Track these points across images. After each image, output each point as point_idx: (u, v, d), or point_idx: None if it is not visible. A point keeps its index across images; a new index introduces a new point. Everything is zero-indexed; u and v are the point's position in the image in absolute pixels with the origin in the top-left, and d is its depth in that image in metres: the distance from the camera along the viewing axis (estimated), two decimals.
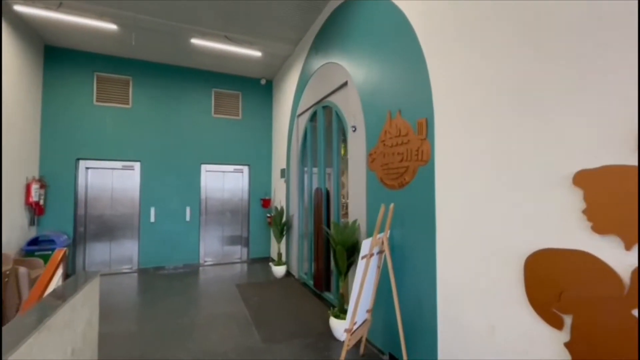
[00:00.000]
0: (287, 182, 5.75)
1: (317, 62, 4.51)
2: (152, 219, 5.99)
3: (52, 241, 4.78)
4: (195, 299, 4.48)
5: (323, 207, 4.40)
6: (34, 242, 4.77)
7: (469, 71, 2.09)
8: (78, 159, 5.59)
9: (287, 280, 5.32)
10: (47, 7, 4.24)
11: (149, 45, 5.41)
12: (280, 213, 5.64)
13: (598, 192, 1.41)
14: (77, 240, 5.58)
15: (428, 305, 2.39)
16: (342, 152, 4.15)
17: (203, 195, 6.48)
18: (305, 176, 5.22)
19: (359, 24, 3.42)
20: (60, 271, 2.44)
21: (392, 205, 2.61)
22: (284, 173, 5.99)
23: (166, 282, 5.27)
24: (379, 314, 2.94)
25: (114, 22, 4.61)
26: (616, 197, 1.35)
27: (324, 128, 4.50)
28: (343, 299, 3.32)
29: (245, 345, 3.12)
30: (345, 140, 3.89)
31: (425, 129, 2.43)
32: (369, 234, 3.18)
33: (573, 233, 1.50)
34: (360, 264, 2.39)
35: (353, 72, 3.51)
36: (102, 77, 5.77)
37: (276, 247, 6.07)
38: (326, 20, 4.27)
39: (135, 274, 5.74)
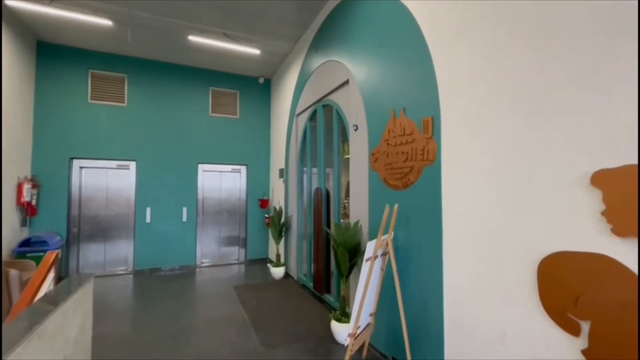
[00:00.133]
0: (286, 182, 5.67)
1: (317, 60, 4.44)
2: (148, 220, 5.87)
3: (44, 242, 4.66)
4: (192, 301, 4.38)
5: (323, 207, 4.32)
6: (25, 243, 4.64)
7: (478, 68, 2.03)
8: (72, 158, 5.47)
9: (286, 281, 5.23)
10: (40, 2, 4.13)
11: (145, 42, 5.30)
12: (278, 213, 5.55)
13: (618, 192, 1.34)
14: (71, 241, 5.45)
15: (434, 308, 2.32)
16: (343, 151, 4.08)
17: (200, 196, 6.37)
18: (305, 176, 5.14)
19: (361, 21, 3.35)
20: (51, 274, 2.34)
21: (396, 206, 2.54)
22: (282, 173, 5.91)
23: (162, 283, 5.16)
24: (382, 317, 2.86)
25: (109, 17, 4.50)
26: (637, 198, 1.28)
27: (324, 127, 4.43)
28: (345, 302, 3.24)
29: (244, 349, 3.03)
30: (346, 140, 3.81)
31: (431, 127, 2.36)
32: (372, 235, 3.11)
33: (591, 235, 1.44)
34: (365, 266, 2.32)
35: (355, 70, 3.44)
36: (97, 75, 5.65)
37: (274, 248, 5.98)
38: (327, 18, 4.20)
39: (131, 276, 5.62)
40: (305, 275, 4.98)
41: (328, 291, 4.29)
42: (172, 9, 4.37)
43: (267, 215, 6.40)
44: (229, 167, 6.65)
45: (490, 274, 1.92)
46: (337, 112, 3.95)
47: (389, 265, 2.70)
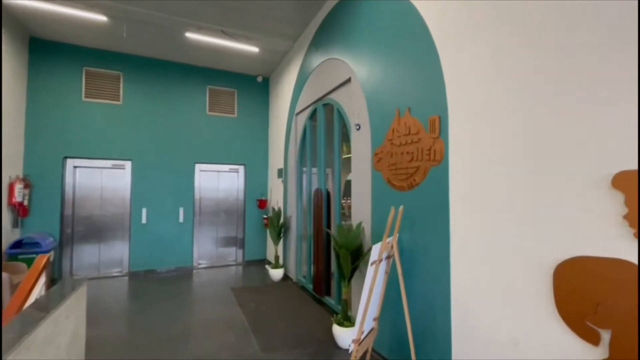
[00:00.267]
0: (285, 183, 5.58)
1: (318, 59, 4.36)
2: (144, 220, 5.75)
3: (37, 244, 4.53)
4: (189, 303, 4.28)
5: (323, 208, 4.24)
6: (17, 245, 4.50)
7: (488, 65, 1.96)
8: (65, 158, 5.33)
9: (285, 283, 5.15)
10: None
11: (141, 38, 5.18)
12: (277, 214, 5.47)
13: None
14: (64, 243, 5.32)
15: (441, 312, 2.25)
16: (342, 151, 4.00)
17: (197, 196, 6.26)
18: (304, 176, 5.05)
19: (364, 18, 3.28)
20: (42, 279, 2.24)
21: (401, 208, 2.47)
22: (281, 173, 5.82)
23: (158, 286, 5.05)
24: (386, 322, 2.79)
25: (104, 13, 4.38)
26: None
27: (324, 127, 4.35)
28: (346, 306, 3.17)
29: (243, 354, 2.94)
30: (347, 140, 3.74)
31: (438, 127, 2.29)
32: (374, 237, 3.04)
33: (612, 240, 1.37)
34: (369, 270, 2.24)
35: (357, 68, 3.37)
36: (92, 72, 5.52)
37: (272, 249, 5.90)
38: (328, 15, 4.12)
39: (126, 278, 5.50)
40: (304, 277, 4.90)
41: (328, 293, 4.22)
42: (168, 5, 4.27)
43: (265, 216, 6.31)
44: (226, 167, 6.54)
45: (502, 279, 1.85)
46: (338, 111, 3.88)
47: (393, 268, 2.63)
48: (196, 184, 6.25)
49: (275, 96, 6.40)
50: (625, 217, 1.32)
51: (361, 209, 3.27)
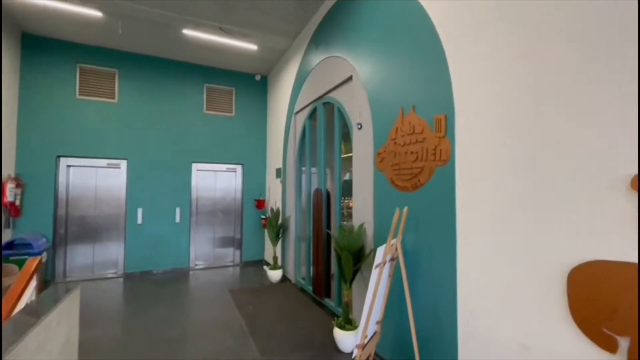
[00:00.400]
0: (284, 183, 5.51)
1: (318, 56, 4.29)
2: (140, 220, 5.64)
3: (29, 245, 4.41)
4: (185, 306, 4.19)
5: (323, 208, 4.17)
6: (8, 246, 4.37)
7: (497, 62, 1.90)
8: (59, 157, 5.21)
9: (284, 285, 5.07)
10: None
11: (137, 35, 5.08)
12: (276, 214, 5.39)
13: None
14: (57, 244, 5.20)
15: (446, 316, 2.20)
16: (341, 151, 3.93)
17: (194, 195, 6.16)
18: (304, 176, 4.98)
19: (366, 16, 3.21)
20: (33, 283, 2.14)
21: (405, 209, 2.41)
22: (280, 173, 5.74)
23: (154, 287, 4.95)
24: (389, 325, 2.73)
25: (99, 8, 4.27)
26: None
27: (324, 126, 4.28)
28: (348, 309, 3.10)
29: (242, 358, 2.87)
30: (348, 139, 3.67)
31: (444, 126, 2.24)
32: (376, 239, 2.98)
33: (629, 243, 1.32)
34: (374, 273, 2.18)
35: (359, 66, 3.30)
36: (86, 69, 5.40)
37: (270, 250, 5.82)
38: (328, 12, 4.05)
39: (121, 279, 5.39)
40: (303, 279, 4.83)
41: (328, 295, 4.15)
42: (165, 1, 4.17)
43: (263, 217, 6.23)
44: (224, 167, 6.45)
45: (511, 282, 1.80)
46: (339, 110, 3.81)
47: (396, 271, 2.57)
48: (193, 183, 6.15)
49: (274, 95, 6.32)
50: None
51: (363, 210, 3.21)
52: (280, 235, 5.35)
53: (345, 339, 2.93)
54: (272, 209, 5.59)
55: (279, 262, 5.56)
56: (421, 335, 2.36)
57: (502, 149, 1.86)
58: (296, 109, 5.04)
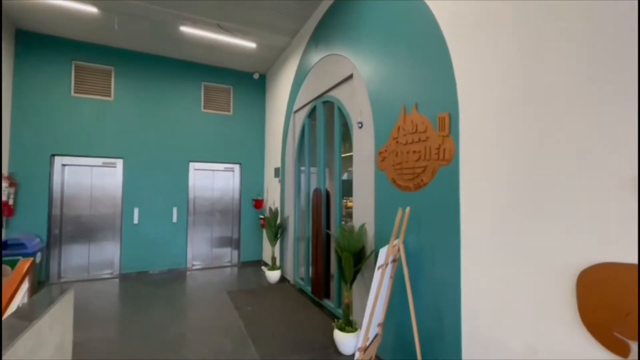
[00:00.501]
0: (282, 182, 5.45)
1: (317, 55, 4.24)
2: (136, 220, 5.57)
3: (22, 245, 4.33)
4: (182, 307, 4.12)
5: (323, 209, 4.12)
6: (2, 246, 4.29)
7: (503, 61, 1.86)
8: (53, 155, 5.12)
9: (282, 286, 5.02)
10: None
11: (134, 32, 5.00)
12: (274, 214, 5.33)
13: None
14: (52, 244, 5.11)
15: (450, 318, 2.16)
16: (344, 150, 3.88)
17: (191, 195, 6.09)
18: (303, 176, 4.93)
19: (368, 13, 3.17)
20: (25, 285, 2.08)
21: (408, 209, 2.37)
22: (278, 172, 5.68)
23: (150, 288, 4.88)
24: (390, 327, 2.69)
25: (95, 4, 4.19)
26: None
27: (324, 125, 4.23)
28: (348, 310, 3.06)
29: None
30: (348, 138, 3.62)
31: (448, 124, 2.20)
32: (377, 239, 2.94)
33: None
34: (376, 275, 2.13)
35: (360, 64, 3.26)
36: (81, 67, 5.31)
37: (268, 250, 5.76)
38: (328, 10, 4.00)
39: (117, 280, 5.31)
40: (302, 279, 4.78)
41: (327, 296, 4.11)
42: None
43: (262, 216, 6.17)
44: (221, 166, 6.38)
45: (518, 284, 1.76)
46: (339, 109, 3.76)
47: (398, 271, 2.53)
48: (190, 183, 6.08)
49: (272, 94, 6.26)
50: None
51: (364, 210, 3.17)
52: (278, 236, 5.30)
53: (345, 341, 2.89)
54: (270, 209, 5.53)
55: (278, 263, 5.51)
56: (424, 336, 2.32)
57: (507, 148, 1.82)
58: (295, 107, 4.99)
